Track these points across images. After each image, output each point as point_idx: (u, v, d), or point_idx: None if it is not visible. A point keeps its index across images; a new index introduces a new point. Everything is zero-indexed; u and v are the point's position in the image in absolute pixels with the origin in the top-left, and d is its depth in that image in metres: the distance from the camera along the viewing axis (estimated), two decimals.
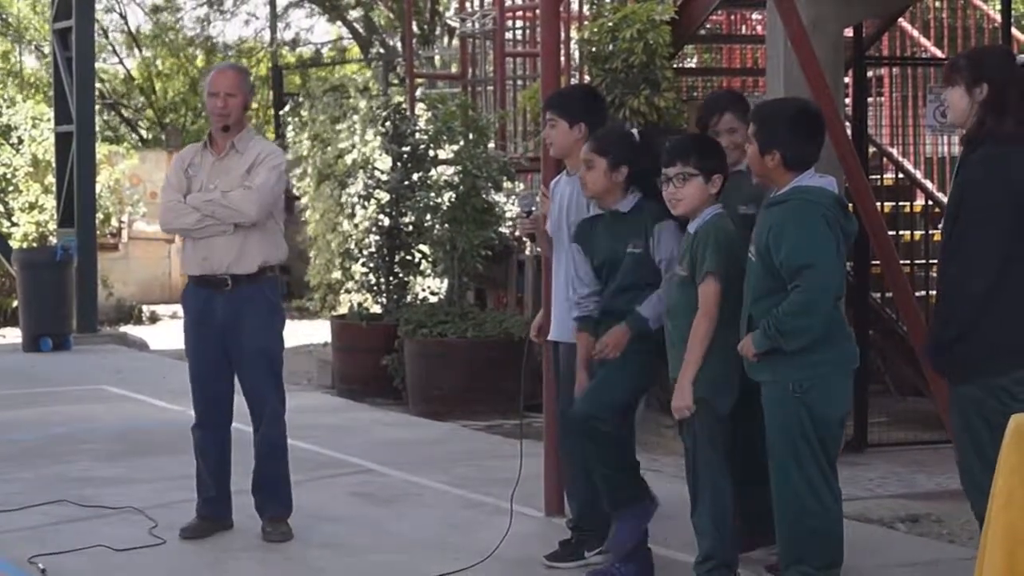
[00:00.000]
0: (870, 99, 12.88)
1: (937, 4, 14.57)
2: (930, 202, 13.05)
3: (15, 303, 19.81)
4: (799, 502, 6.35)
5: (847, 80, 11.69)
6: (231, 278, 7.98)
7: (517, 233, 14.01)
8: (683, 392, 6.61)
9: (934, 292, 11.79)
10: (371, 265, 14.89)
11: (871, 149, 12.38)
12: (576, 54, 14.20)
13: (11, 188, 22.20)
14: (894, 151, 13.60)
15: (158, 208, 8.33)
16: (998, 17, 13.26)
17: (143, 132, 32.40)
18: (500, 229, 14.43)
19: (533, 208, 7.82)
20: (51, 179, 20.98)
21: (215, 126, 8.05)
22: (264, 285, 8.08)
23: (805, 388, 6.30)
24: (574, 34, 14.34)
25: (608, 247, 7.13)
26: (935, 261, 10.23)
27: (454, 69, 19.56)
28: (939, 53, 14.03)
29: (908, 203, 13.28)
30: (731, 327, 6.59)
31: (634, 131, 7.55)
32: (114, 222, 23.30)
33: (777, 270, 6.29)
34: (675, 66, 12.46)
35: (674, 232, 6.98)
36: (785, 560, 6.48)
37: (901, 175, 13.46)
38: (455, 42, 22.28)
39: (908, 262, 11.90)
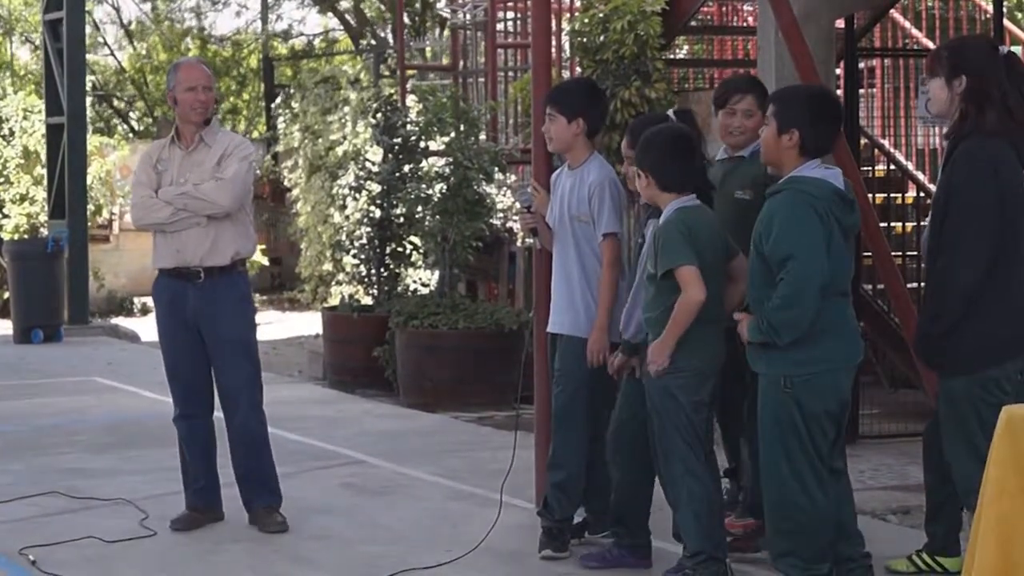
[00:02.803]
0: (862, 91, 12.87)
1: None
2: (922, 194, 13.05)
3: (6, 295, 19.77)
4: (787, 496, 6.36)
5: (838, 72, 11.68)
6: (204, 270, 7.98)
7: (518, 228, 14.00)
8: (659, 352, 6.63)
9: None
10: (362, 257, 14.88)
11: (863, 141, 12.38)
12: (567, 45, 14.18)
13: (2, 180, 22.13)
14: (886, 143, 13.60)
15: (130, 205, 8.33)
16: (990, 8, 13.25)
17: (134, 123, 32.34)
18: (491, 220, 14.42)
19: (533, 203, 7.80)
20: (42, 171, 20.94)
21: (194, 119, 8.03)
22: (236, 276, 8.10)
23: (796, 383, 6.29)
24: (565, 25, 14.34)
25: (633, 234, 7.16)
26: None
27: (445, 60, 19.56)
28: (931, 44, 14.01)
29: (900, 195, 13.28)
30: (704, 321, 6.60)
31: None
32: (105, 213, 23.23)
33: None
34: (666, 57, 12.45)
35: None
36: (774, 552, 6.49)
37: (893, 167, 13.46)
38: (446, 33, 22.28)
39: (900, 254, 11.90)
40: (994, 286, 6.31)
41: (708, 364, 6.72)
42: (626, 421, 7.14)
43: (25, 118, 22.32)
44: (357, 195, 15.63)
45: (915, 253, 12.34)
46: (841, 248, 6.37)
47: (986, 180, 6.28)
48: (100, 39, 32.15)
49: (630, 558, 7.24)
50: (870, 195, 10.59)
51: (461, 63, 17.73)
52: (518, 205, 8.15)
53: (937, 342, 6.42)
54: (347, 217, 18.36)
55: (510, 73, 16.86)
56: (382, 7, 29.34)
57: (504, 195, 15.22)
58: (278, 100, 23.84)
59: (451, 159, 13.91)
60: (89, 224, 20.08)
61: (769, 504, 6.48)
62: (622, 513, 7.28)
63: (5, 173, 22.09)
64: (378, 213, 14.71)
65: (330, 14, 31.16)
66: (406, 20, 24.78)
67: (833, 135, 6.58)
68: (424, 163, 14.70)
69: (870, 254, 9.15)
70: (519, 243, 14.58)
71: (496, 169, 14.20)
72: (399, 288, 14.81)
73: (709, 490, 6.79)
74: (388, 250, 14.74)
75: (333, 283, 20.01)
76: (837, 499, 6.53)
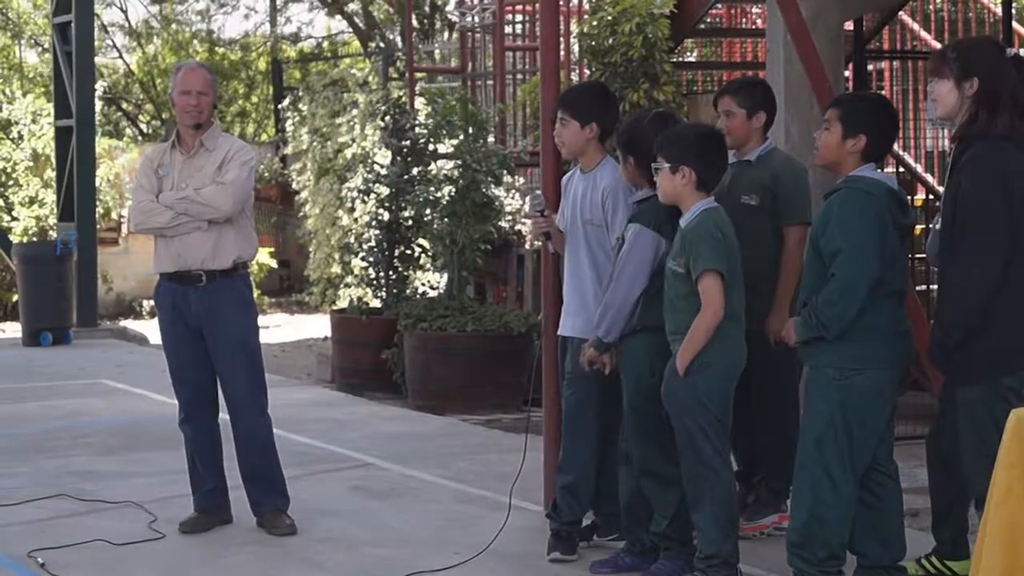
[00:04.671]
0: None
1: None
2: (931, 196, 13.03)
3: (15, 297, 19.79)
4: (814, 488, 6.38)
5: (847, 74, 11.67)
6: (205, 274, 7.99)
7: (526, 231, 13.99)
8: (682, 365, 6.65)
9: (936, 287, 11.86)
10: (371, 259, 14.88)
11: None
12: (575, 48, 14.18)
13: (11, 183, 22.18)
14: (894, 145, 13.57)
15: (131, 209, 8.36)
16: (998, 10, 13.24)
17: (143, 126, 32.37)
18: (500, 223, 14.42)
19: (546, 208, 7.79)
20: (51, 173, 20.97)
21: (186, 124, 8.04)
22: (237, 280, 8.10)
23: (843, 378, 6.32)
24: (573, 28, 14.33)
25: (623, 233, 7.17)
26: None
27: (454, 63, 19.56)
28: (939, 47, 14.00)
29: (909, 197, 13.24)
30: (731, 319, 6.61)
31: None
32: (114, 216, 23.28)
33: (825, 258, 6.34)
34: (674, 60, 12.44)
35: (637, 234, 6.97)
36: (789, 541, 6.49)
37: (902, 169, 13.45)
38: (455, 36, 22.28)
39: (909, 256, 11.87)
40: (1008, 294, 6.27)
41: (734, 362, 6.74)
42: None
43: (34, 121, 22.38)
44: (366, 198, 15.63)
45: (924, 255, 12.31)
46: (896, 248, 6.39)
47: (996, 187, 6.24)
48: (109, 42, 32.19)
49: (642, 565, 7.22)
50: None
51: (470, 66, 17.72)
52: (527, 208, 8.11)
53: (951, 352, 6.39)
54: (356, 220, 18.39)
55: (519, 76, 16.85)
56: (391, 10, 29.35)
57: (513, 198, 15.22)
58: (286, 103, 23.86)
59: (460, 162, 13.90)
60: (98, 227, 20.10)
61: (795, 493, 6.53)
62: (634, 520, 7.27)
63: (14, 176, 22.15)
64: (386, 216, 14.71)
65: (339, 17, 31.17)
66: (415, 23, 24.80)
67: (889, 148, 6.67)
68: (432, 166, 14.70)
69: None
70: (527, 246, 14.57)
71: (504, 172, 14.20)
72: (407, 291, 14.81)
73: (731, 494, 6.79)
74: (396, 253, 14.74)
75: (341, 286, 20.04)
76: (888, 502, 6.61)
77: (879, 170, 6.56)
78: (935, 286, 11.83)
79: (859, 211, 6.29)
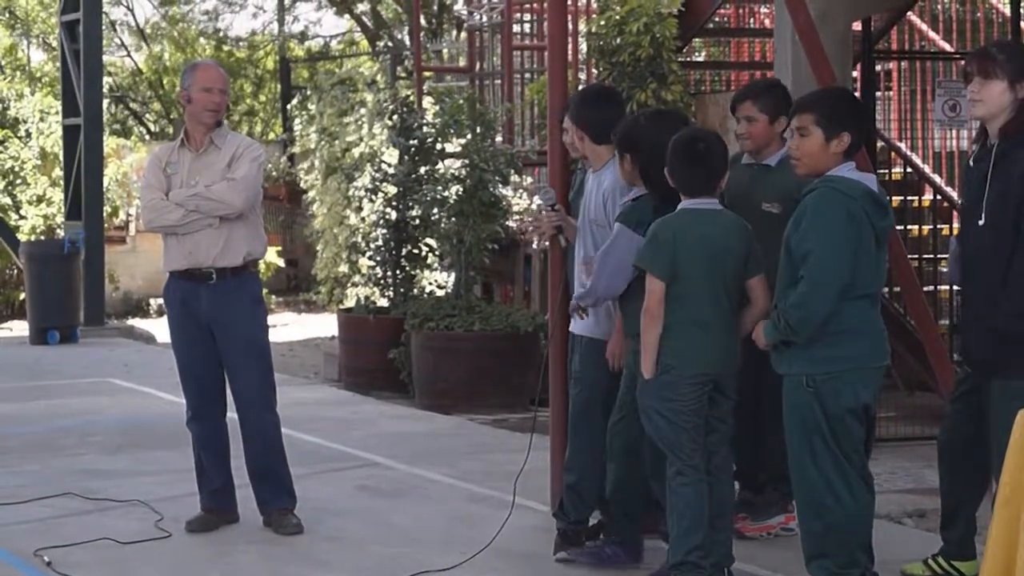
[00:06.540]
0: (878, 93, 12.85)
1: None
2: (938, 197, 13.02)
3: (22, 296, 19.81)
4: (815, 496, 6.33)
5: (855, 74, 11.67)
6: (216, 271, 7.99)
7: (537, 228, 13.97)
8: (643, 363, 6.67)
9: (943, 287, 11.86)
10: (378, 258, 14.88)
11: (879, 143, 12.35)
12: (583, 47, 14.18)
13: (19, 181, 22.21)
14: (902, 146, 13.57)
15: (141, 208, 8.35)
16: (1007, 11, 13.23)
17: (150, 125, 32.39)
18: (507, 223, 14.42)
19: (557, 203, 7.78)
20: (59, 172, 20.98)
21: (205, 121, 8.02)
22: (247, 278, 8.10)
23: (817, 383, 6.26)
24: (581, 27, 14.33)
25: None
26: (944, 256, 10.22)
27: (462, 62, 19.55)
28: (948, 47, 14.00)
29: (916, 198, 13.25)
30: (691, 323, 6.62)
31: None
32: (121, 215, 23.31)
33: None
34: (682, 60, 12.44)
35: (617, 234, 6.97)
36: (806, 554, 6.45)
37: (909, 170, 13.44)
38: (463, 35, 22.29)
39: (916, 256, 11.88)
40: None
41: (695, 367, 6.66)
42: (616, 422, 7.15)
43: (42, 119, 22.40)
44: (373, 197, 15.64)
45: (931, 256, 12.32)
46: (870, 250, 6.29)
47: None
48: (117, 40, 32.21)
49: (623, 556, 7.22)
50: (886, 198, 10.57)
51: (477, 65, 17.72)
52: (538, 203, 8.10)
53: (1018, 341, 6.36)
54: (363, 219, 18.39)
55: (526, 75, 16.85)
56: (399, 9, 29.36)
57: (520, 197, 15.22)
58: (295, 102, 23.89)
59: (467, 161, 13.91)
60: (105, 225, 20.11)
61: (799, 505, 6.50)
62: (618, 510, 7.26)
63: (22, 174, 22.17)
64: (394, 215, 14.72)
65: (347, 16, 31.18)
66: (423, 22, 24.81)
67: (865, 136, 6.63)
68: (440, 165, 14.71)
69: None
70: (534, 245, 14.57)
71: (512, 171, 14.20)
72: (415, 290, 14.82)
73: (696, 498, 6.74)
74: (404, 252, 14.74)
75: (349, 285, 20.05)
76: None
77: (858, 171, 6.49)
78: (942, 287, 11.89)
79: (834, 213, 6.20)
